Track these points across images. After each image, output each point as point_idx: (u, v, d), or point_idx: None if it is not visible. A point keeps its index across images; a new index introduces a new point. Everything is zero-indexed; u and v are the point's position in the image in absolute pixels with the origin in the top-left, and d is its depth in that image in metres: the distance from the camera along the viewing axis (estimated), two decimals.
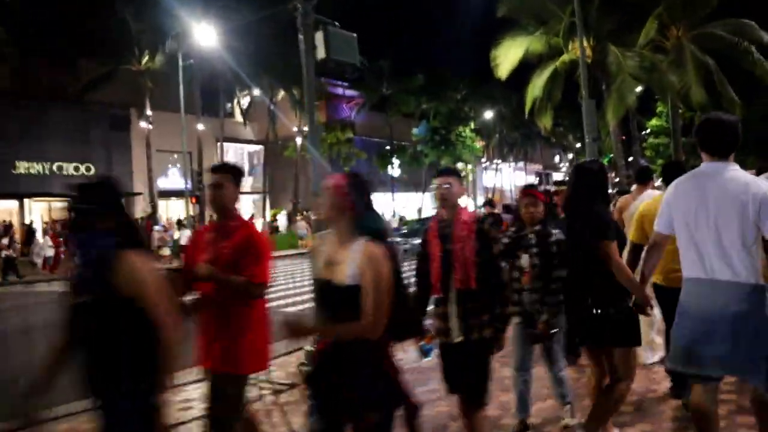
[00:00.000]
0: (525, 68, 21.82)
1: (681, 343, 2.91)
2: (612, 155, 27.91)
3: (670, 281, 3.71)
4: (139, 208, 30.92)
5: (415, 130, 48.26)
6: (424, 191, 49.30)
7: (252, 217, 38.14)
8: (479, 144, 54.16)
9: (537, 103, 20.43)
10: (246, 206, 40.43)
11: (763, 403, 2.90)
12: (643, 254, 3.37)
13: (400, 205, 47.28)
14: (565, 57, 19.70)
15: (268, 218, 40.43)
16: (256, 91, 37.41)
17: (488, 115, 48.34)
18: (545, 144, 66.85)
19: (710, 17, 20.07)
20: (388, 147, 46.56)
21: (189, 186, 27.18)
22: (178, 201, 34.28)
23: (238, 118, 40.60)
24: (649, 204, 4.17)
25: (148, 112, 29.80)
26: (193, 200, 26.34)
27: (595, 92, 21.79)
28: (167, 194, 34.28)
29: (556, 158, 75.31)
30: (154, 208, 30.07)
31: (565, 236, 3.61)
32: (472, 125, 46.62)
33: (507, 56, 20.59)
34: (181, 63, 25.93)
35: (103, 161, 32.87)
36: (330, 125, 38.41)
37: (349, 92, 49.64)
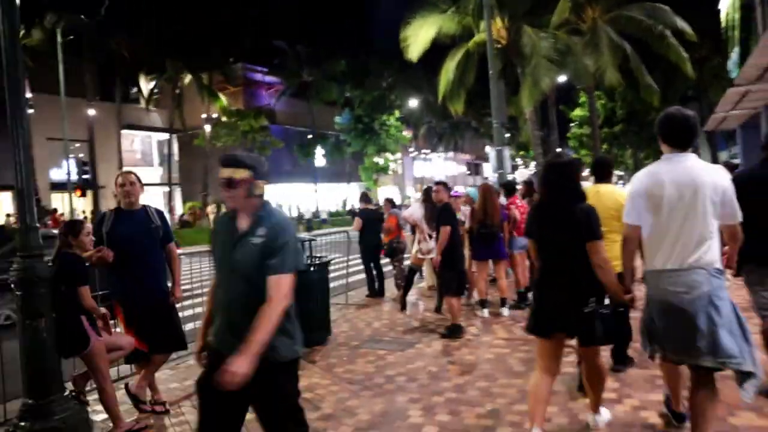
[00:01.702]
0: (442, 51, 20.39)
1: (665, 334, 3.02)
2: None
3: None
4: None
5: (337, 119, 46.41)
6: (348, 182, 47.55)
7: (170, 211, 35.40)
8: (407, 133, 53.04)
9: (449, 87, 19.04)
10: (156, 200, 37.45)
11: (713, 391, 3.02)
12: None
13: (323, 197, 45.49)
14: (477, 37, 18.30)
15: (180, 211, 37.68)
16: (164, 75, 34.39)
17: (414, 103, 46.77)
18: (475, 134, 66.42)
19: (626, 0, 19.27)
20: (310, 136, 44.46)
21: (73, 178, 24.24)
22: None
23: (143, 104, 37.39)
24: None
25: (28, 94, 26.39)
26: (78, 192, 23.48)
27: (511, 77, 20.59)
28: (61, 187, 30.90)
29: (487, 148, 75.19)
30: (39, 202, 26.79)
31: (539, 232, 3.46)
32: (398, 114, 45.03)
33: (417, 36, 19.05)
34: (60, 39, 22.96)
35: None
36: (242, 112, 35.87)
37: (269, 78, 47.20)
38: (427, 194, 7.70)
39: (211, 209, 36.50)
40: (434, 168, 61.46)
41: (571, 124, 46.00)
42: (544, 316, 3.33)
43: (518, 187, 8.78)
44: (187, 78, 34.65)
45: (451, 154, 68.15)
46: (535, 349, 3.52)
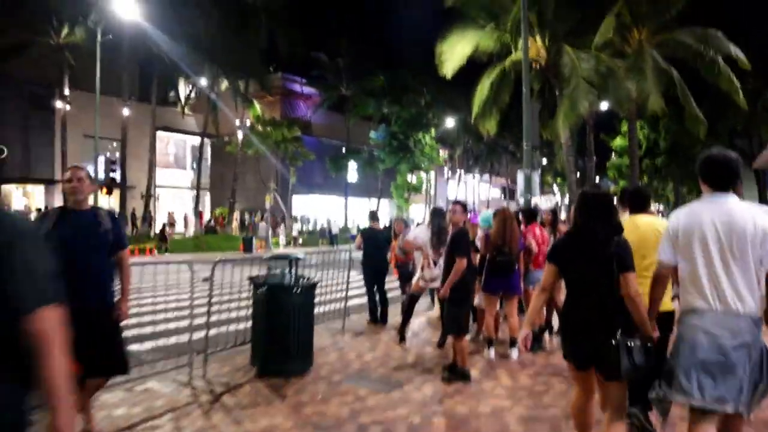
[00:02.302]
0: (480, 70, 19.69)
1: (692, 375, 2.91)
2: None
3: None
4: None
5: (372, 134, 46.01)
6: (380, 198, 46.97)
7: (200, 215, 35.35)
8: (442, 153, 52.28)
9: (482, 106, 18.26)
10: (186, 203, 37.58)
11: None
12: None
13: (354, 211, 45.02)
14: (514, 56, 17.53)
15: (207, 216, 37.67)
16: (200, 81, 34.55)
17: (451, 123, 46.00)
18: (512, 159, 65.27)
19: (676, 24, 18.18)
20: (344, 150, 44.14)
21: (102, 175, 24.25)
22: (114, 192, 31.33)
23: (180, 107, 37.69)
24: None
25: (66, 91, 26.74)
26: (104, 191, 23.43)
27: (549, 99, 19.73)
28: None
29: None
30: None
31: (570, 261, 3.36)
32: (433, 132, 44.35)
33: (453, 53, 18.38)
34: (99, 37, 23.12)
35: (20, 143, 29.84)
36: (276, 122, 35.75)
37: (307, 90, 47.24)
38: (434, 215, 6.96)
39: (237, 216, 36.43)
40: (468, 189, 60.53)
41: (612, 154, 44.58)
42: (575, 346, 3.32)
43: (543, 215, 7.95)
44: (224, 84, 34.72)
45: (486, 177, 67.15)
46: (571, 374, 3.54)
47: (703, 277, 2.92)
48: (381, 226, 9.00)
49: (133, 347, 6.16)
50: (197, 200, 33.76)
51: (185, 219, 35.19)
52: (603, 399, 3.31)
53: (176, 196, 38.53)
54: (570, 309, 3.35)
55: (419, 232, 7.39)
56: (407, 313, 7.29)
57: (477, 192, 63.43)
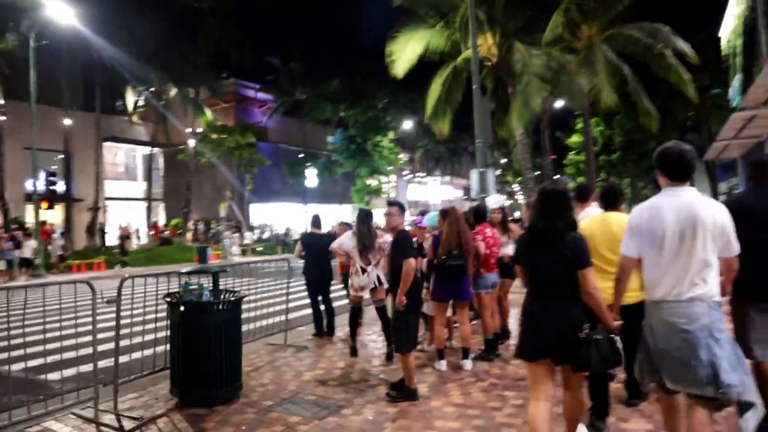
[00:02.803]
0: (434, 70, 19.30)
1: (658, 363, 3.06)
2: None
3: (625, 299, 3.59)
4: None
5: (330, 138, 45.31)
6: (340, 203, 46.32)
7: (155, 226, 34.00)
8: (402, 156, 51.91)
9: (434, 106, 17.87)
10: (138, 215, 36.21)
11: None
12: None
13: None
14: (466, 54, 17.18)
15: (161, 227, 36.34)
16: (147, 88, 33.30)
17: (409, 125, 45.64)
18: (472, 159, 65.43)
19: (624, 19, 18.18)
20: (301, 155, 43.30)
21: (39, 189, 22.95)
22: (57, 205, 29.78)
23: (129, 116, 36.25)
24: (590, 224, 4.22)
25: (0, 101, 25.28)
26: (44, 204, 22.18)
27: (503, 97, 19.50)
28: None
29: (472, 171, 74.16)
30: (6, 213, 25.49)
31: (531, 259, 3.45)
32: (392, 135, 43.93)
33: (404, 52, 17.95)
34: (32, 43, 21.87)
35: None
36: (228, 128, 34.78)
37: (262, 95, 46.27)
38: (360, 220, 6.44)
39: (190, 225, 35.17)
40: (429, 191, 60.31)
41: (570, 153, 44.98)
42: (533, 340, 3.34)
43: (492, 213, 7.47)
44: (173, 91, 33.57)
45: (447, 178, 67.15)
46: (527, 376, 3.49)
47: (664, 268, 3.02)
48: (324, 231, 8.44)
49: (30, 378, 5.42)
50: (149, 211, 32.49)
51: (137, 231, 33.88)
52: (566, 386, 3.49)
53: (129, 208, 37.11)
54: (533, 303, 3.39)
55: (345, 238, 6.87)
56: (352, 325, 6.74)
57: (438, 194, 63.34)
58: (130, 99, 35.60)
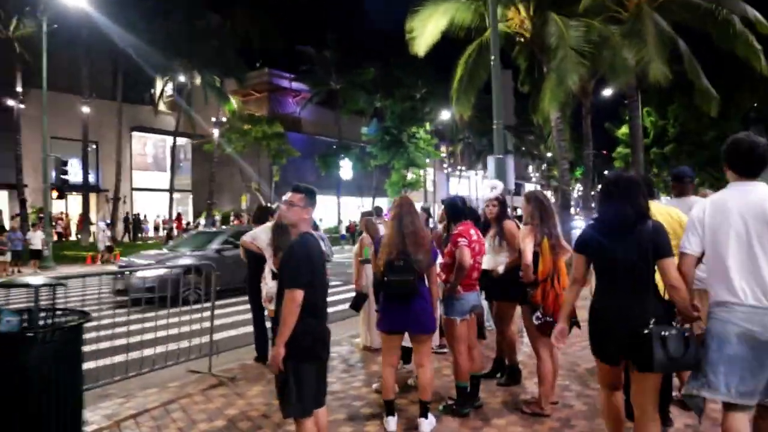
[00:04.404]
0: (460, 48, 17.36)
1: (719, 370, 2.82)
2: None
3: None
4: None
5: (364, 129, 43.72)
6: (375, 196, 44.73)
7: (179, 217, 33.38)
8: (442, 149, 49.80)
9: (458, 88, 15.91)
10: (164, 206, 35.59)
11: None
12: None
13: (348, 210, 42.67)
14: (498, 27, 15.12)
15: (191, 221, 35.66)
16: (176, 77, 32.50)
17: (447, 116, 43.42)
18: (516, 153, 62.84)
19: None
20: (334, 146, 41.91)
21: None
22: (77, 196, 29.39)
23: (157, 105, 35.66)
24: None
25: (18, 88, 24.72)
26: (55, 193, 21.41)
27: (540, 78, 17.37)
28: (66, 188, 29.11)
29: (529, 168, 71.56)
30: (23, 203, 24.99)
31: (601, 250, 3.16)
32: (428, 126, 41.94)
33: (425, 28, 16.07)
34: (45, 28, 21.03)
35: None
36: (255, 117, 33.66)
37: (296, 85, 45.10)
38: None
39: (218, 217, 34.18)
40: (471, 186, 57.92)
41: (619, 146, 41.93)
42: (607, 340, 3.10)
43: (488, 207, 5.56)
44: (199, 81, 32.67)
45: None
46: (597, 373, 3.33)
47: (732, 270, 2.81)
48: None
49: None
50: (170, 202, 31.69)
51: (162, 222, 33.27)
52: (635, 393, 3.13)
53: (157, 199, 36.58)
54: (600, 298, 3.17)
55: (260, 231, 5.16)
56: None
57: (478, 188, 61.03)
58: (159, 88, 34.98)
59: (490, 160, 10.23)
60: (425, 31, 16.33)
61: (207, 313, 5.81)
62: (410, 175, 43.09)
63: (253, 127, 32.37)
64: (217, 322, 6.21)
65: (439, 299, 4.34)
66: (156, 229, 34.88)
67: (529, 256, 4.25)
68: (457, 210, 4.61)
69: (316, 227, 6.59)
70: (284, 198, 3.46)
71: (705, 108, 15.83)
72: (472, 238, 4.47)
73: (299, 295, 3.06)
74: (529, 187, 66.09)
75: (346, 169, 41.17)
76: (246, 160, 35.13)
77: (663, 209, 4.08)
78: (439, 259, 4.41)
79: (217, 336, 6.22)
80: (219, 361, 5.90)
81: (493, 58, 10.18)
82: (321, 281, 3.34)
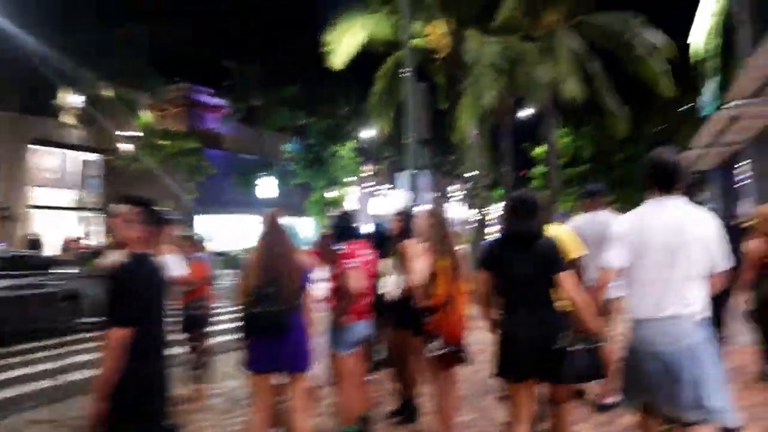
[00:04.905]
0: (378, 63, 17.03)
1: (648, 384, 2.88)
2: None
3: None
4: None
5: (287, 147, 42.84)
6: (300, 215, 43.68)
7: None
8: (367, 166, 49.46)
9: (374, 100, 15.57)
10: (70, 225, 33.14)
11: None
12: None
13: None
14: (413, 42, 14.90)
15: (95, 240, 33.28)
16: (84, 88, 30.63)
17: (367, 134, 43.29)
18: (437, 172, 63.30)
19: (591, 7, 16.00)
20: (255, 164, 40.77)
21: None
22: None
23: (62, 117, 33.36)
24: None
25: None
26: None
27: (457, 96, 17.30)
28: None
29: (449, 187, 72.57)
30: None
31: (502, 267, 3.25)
32: (352, 144, 41.66)
33: (342, 41, 15.63)
34: None
35: None
36: (172, 133, 32.15)
37: (217, 101, 43.72)
38: None
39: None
40: (390, 204, 57.71)
41: (534, 167, 43.06)
42: (516, 357, 3.09)
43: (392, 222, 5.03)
44: (110, 93, 30.92)
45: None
46: (510, 399, 3.31)
47: (648, 284, 2.90)
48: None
49: None
50: (76, 221, 29.56)
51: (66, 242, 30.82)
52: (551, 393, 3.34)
53: (61, 217, 33.95)
54: (505, 316, 3.19)
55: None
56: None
57: (397, 205, 61.13)
58: (65, 100, 32.78)
59: (401, 176, 9.80)
60: (342, 45, 15.94)
61: None
62: (332, 194, 42.48)
63: (168, 143, 30.82)
64: None
65: (325, 329, 3.73)
66: (66, 250, 32.33)
67: (419, 278, 3.73)
68: (345, 228, 4.03)
69: (202, 247, 5.87)
70: (111, 209, 2.75)
71: (613, 129, 16.26)
72: (361, 259, 3.89)
73: (125, 334, 2.36)
74: (454, 206, 66.88)
75: (265, 187, 40.05)
76: (160, 177, 33.41)
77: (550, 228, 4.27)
78: (324, 284, 3.81)
79: None
80: None
81: (407, 70, 9.84)
82: (158, 316, 2.64)
